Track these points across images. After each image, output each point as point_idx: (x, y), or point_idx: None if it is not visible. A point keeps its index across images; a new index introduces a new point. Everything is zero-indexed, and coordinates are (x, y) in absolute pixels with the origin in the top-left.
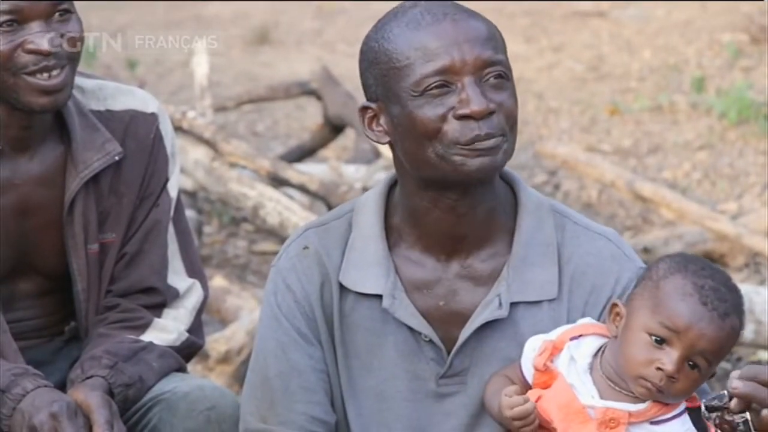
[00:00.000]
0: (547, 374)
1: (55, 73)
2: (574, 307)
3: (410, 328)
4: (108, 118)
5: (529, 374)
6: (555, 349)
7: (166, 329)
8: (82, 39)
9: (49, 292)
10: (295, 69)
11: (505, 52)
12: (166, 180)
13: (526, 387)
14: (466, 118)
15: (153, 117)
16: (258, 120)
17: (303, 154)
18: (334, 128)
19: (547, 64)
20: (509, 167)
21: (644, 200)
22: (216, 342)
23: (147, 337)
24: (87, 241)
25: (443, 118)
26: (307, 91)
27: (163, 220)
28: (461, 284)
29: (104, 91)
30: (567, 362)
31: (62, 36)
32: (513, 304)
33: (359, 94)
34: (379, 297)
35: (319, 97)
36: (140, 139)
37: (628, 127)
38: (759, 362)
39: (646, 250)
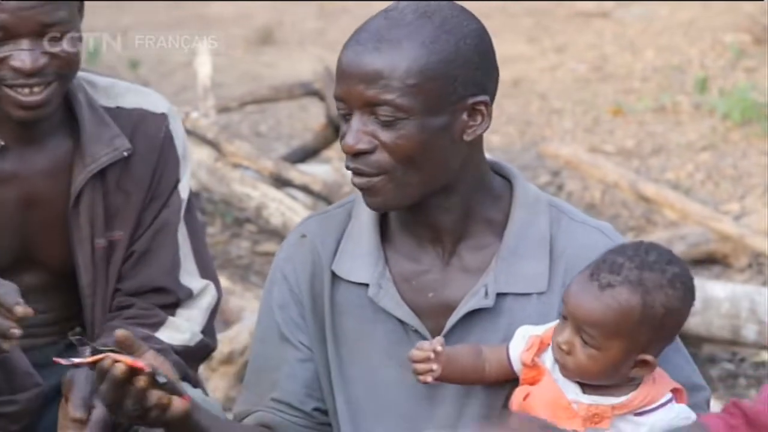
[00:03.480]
0: (534, 370)
1: (36, 90)
2: None
3: (398, 318)
4: (117, 114)
5: (516, 365)
6: (542, 345)
7: (180, 329)
8: (74, 58)
9: (54, 288)
10: (298, 69)
11: (407, 91)
12: (177, 181)
13: (507, 371)
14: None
15: (163, 117)
16: (261, 120)
17: (306, 154)
18: (337, 129)
19: (550, 65)
20: (512, 164)
21: (647, 201)
22: (219, 343)
23: (161, 335)
24: (93, 235)
25: None
26: (310, 91)
27: (173, 221)
28: (451, 276)
29: (116, 88)
30: (552, 358)
31: (52, 55)
32: (501, 295)
33: None
34: (368, 286)
35: (322, 98)
36: (149, 138)
37: (631, 127)
38: (763, 363)
39: None
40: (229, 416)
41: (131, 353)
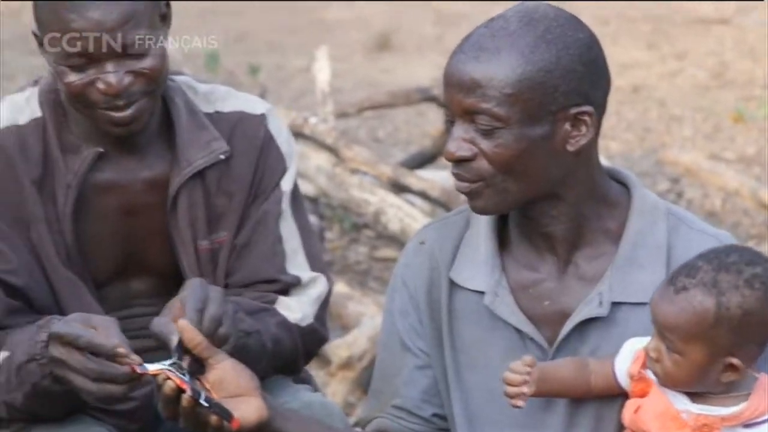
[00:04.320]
0: (642, 382)
1: (125, 107)
2: None
3: (514, 326)
4: (217, 119)
5: (623, 380)
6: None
7: (291, 308)
8: (158, 73)
9: (163, 292)
10: (416, 75)
11: (504, 100)
12: (280, 178)
13: (613, 385)
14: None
15: (262, 117)
16: (379, 126)
17: (424, 160)
18: None
19: (669, 71)
20: (630, 171)
21: None
22: (338, 348)
23: None
24: (195, 238)
25: None
26: (427, 97)
27: (272, 211)
28: (567, 284)
29: (215, 94)
30: None
31: (136, 73)
32: (616, 305)
33: None
34: (485, 294)
35: (439, 104)
36: (249, 139)
37: (752, 134)
38: None
39: None
40: (350, 421)
41: (204, 357)
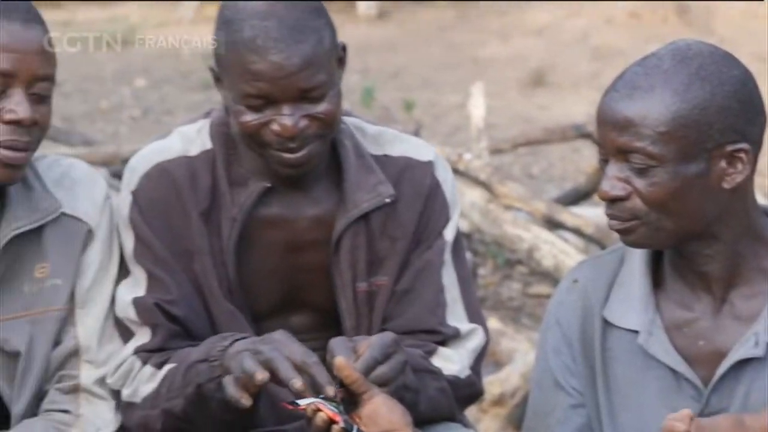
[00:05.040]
0: None
1: (297, 150)
2: None
3: (669, 366)
4: (384, 162)
5: None
6: None
7: (451, 359)
8: (333, 118)
9: (321, 329)
10: (571, 111)
11: (658, 139)
12: (443, 227)
13: None
14: None
15: (429, 165)
16: (533, 162)
17: (578, 196)
18: None
19: None
20: None
21: None
22: (490, 384)
23: (433, 362)
24: (355, 279)
25: None
26: (583, 134)
27: (436, 261)
28: (722, 323)
29: (384, 137)
30: None
31: (311, 117)
32: None
33: None
34: (638, 333)
35: (595, 140)
36: (415, 185)
37: None
38: None
39: None
40: None
41: (360, 392)
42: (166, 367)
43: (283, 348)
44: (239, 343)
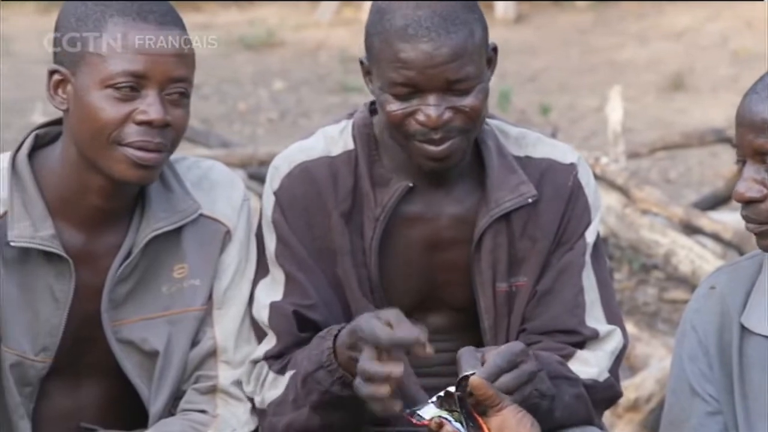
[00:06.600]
0: None
1: (440, 142)
2: None
3: None
4: (526, 163)
5: None
6: None
7: (588, 362)
8: (477, 113)
9: (458, 328)
10: (710, 116)
11: None
12: (585, 229)
13: None
14: None
15: (571, 167)
16: (671, 167)
17: (717, 201)
18: None
19: None
20: None
21: None
22: (625, 389)
23: (571, 366)
24: (495, 280)
25: None
26: (722, 138)
27: (576, 262)
28: None
29: (526, 139)
30: None
31: (456, 109)
32: None
33: None
34: None
35: (734, 145)
36: (557, 187)
37: None
38: None
39: None
40: None
41: (490, 405)
42: (288, 374)
43: (374, 317)
44: (343, 334)
